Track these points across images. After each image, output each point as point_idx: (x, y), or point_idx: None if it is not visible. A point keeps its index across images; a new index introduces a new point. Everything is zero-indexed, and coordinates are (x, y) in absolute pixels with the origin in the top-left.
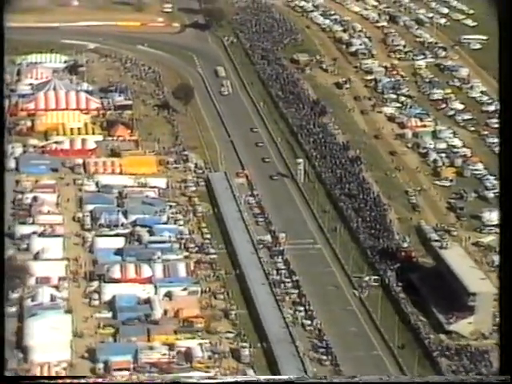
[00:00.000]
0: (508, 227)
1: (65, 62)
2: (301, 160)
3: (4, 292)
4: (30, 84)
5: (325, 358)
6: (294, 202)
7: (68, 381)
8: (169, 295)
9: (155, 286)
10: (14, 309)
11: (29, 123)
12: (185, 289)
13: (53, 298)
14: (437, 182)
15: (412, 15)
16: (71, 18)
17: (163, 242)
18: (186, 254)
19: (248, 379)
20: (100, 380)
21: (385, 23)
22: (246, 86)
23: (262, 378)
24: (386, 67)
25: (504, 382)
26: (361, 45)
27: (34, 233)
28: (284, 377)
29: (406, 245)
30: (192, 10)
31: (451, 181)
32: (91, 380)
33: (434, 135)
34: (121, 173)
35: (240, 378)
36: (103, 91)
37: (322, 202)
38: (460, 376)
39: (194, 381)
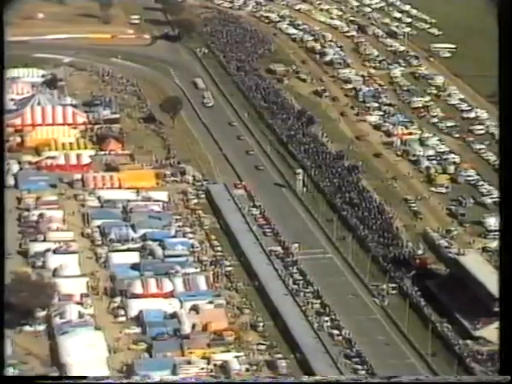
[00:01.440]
0: (508, 231)
1: (42, 76)
2: (300, 170)
3: (4, 294)
4: (12, 99)
5: (360, 367)
6: (296, 212)
7: (68, 381)
8: (195, 309)
9: (180, 300)
10: (42, 327)
11: (18, 139)
12: (211, 302)
13: (81, 315)
14: (432, 189)
15: (377, 25)
16: (39, 31)
17: (179, 255)
18: (202, 267)
19: (249, 380)
20: (100, 380)
21: (354, 33)
22: (227, 98)
23: (262, 378)
24: (363, 76)
25: (504, 382)
26: (335, 54)
27: (48, 250)
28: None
29: (420, 252)
30: (159, 22)
31: (447, 187)
32: (91, 380)
33: (422, 142)
34: (119, 187)
35: (240, 379)
36: (87, 105)
37: (324, 211)
38: (460, 376)
39: (194, 381)
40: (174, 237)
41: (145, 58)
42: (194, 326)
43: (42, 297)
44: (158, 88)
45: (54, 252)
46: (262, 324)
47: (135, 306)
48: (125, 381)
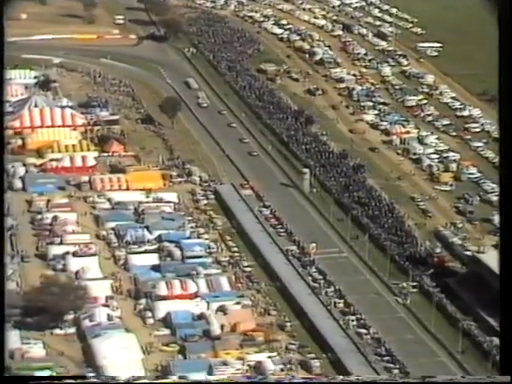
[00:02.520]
0: (508, 228)
1: (35, 77)
2: (306, 170)
3: (4, 294)
4: (7, 101)
5: (392, 365)
6: (306, 212)
7: (68, 381)
8: (222, 310)
9: (207, 301)
10: (72, 329)
11: (19, 141)
12: (238, 303)
13: (110, 318)
14: (437, 187)
15: (362, 24)
16: (24, 32)
17: (199, 256)
18: (221, 268)
19: (249, 380)
20: (100, 380)
21: (340, 32)
22: (221, 98)
23: (263, 378)
24: (355, 75)
25: (504, 382)
26: (324, 54)
27: (67, 253)
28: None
29: (437, 250)
30: (143, 22)
31: (451, 185)
32: (91, 380)
33: (420, 141)
34: (127, 188)
35: (240, 379)
36: (83, 106)
37: (334, 210)
38: (460, 376)
39: (194, 381)
40: (189, 238)
41: (134, 59)
42: (222, 327)
43: (73, 299)
44: (151, 89)
45: (74, 255)
46: (289, 324)
47: (162, 308)
48: (125, 381)
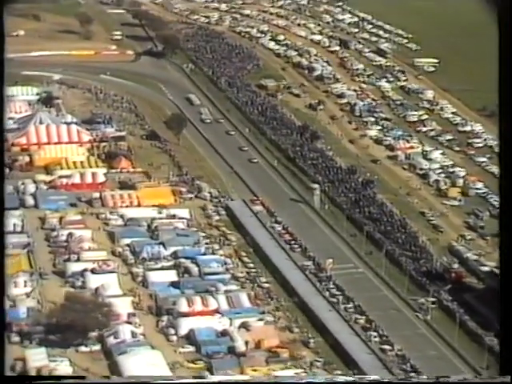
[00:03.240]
0: (508, 231)
1: (37, 94)
2: (316, 186)
3: (4, 294)
4: (11, 118)
5: None
6: (318, 228)
7: (68, 381)
8: (245, 326)
9: (229, 318)
10: (97, 347)
11: (27, 158)
12: (260, 319)
13: (134, 335)
14: (445, 202)
15: (358, 39)
16: (21, 49)
17: (218, 273)
18: (239, 284)
19: (248, 380)
20: (100, 380)
21: (337, 48)
22: (224, 114)
23: (263, 379)
24: (355, 90)
25: (504, 382)
26: (323, 69)
27: (85, 270)
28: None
29: (455, 266)
30: (140, 38)
31: (459, 200)
32: (91, 380)
33: (425, 156)
34: (138, 205)
35: (240, 379)
36: (87, 123)
37: (346, 226)
38: (460, 376)
39: (194, 381)
40: (204, 254)
41: (133, 75)
42: (246, 344)
43: (98, 317)
44: (153, 105)
45: (93, 272)
46: (312, 340)
47: (184, 325)
48: (125, 381)
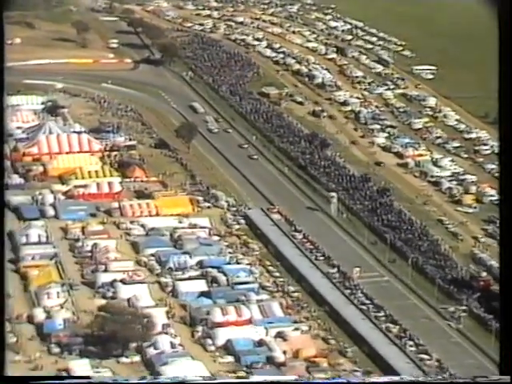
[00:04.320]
0: (508, 231)
1: (42, 103)
2: (334, 194)
3: (4, 295)
4: (19, 127)
5: None
6: (337, 236)
7: (68, 381)
8: (281, 336)
9: (265, 328)
10: (137, 358)
11: (40, 168)
12: (296, 328)
13: (173, 346)
14: (460, 209)
15: (353, 47)
16: (19, 57)
17: (247, 282)
18: (268, 293)
19: (249, 380)
20: (100, 380)
21: (334, 55)
22: (229, 122)
23: (263, 379)
24: (358, 98)
25: (504, 382)
26: (324, 77)
27: (115, 280)
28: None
29: (484, 274)
30: (136, 45)
31: (475, 208)
32: (91, 380)
33: (435, 163)
34: (157, 214)
35: (240, 379)
36: (95, 132)
37: (365, 234)
38: (460, 376)
39: (194, 381)
40: (229, 263)
41: (134, 83)
42: (284, 353)
43: (139, 328)
44: (158, 113)
45: (123, 282)
46: (349, 349)
47: (220, 335)
48: (125, 381)
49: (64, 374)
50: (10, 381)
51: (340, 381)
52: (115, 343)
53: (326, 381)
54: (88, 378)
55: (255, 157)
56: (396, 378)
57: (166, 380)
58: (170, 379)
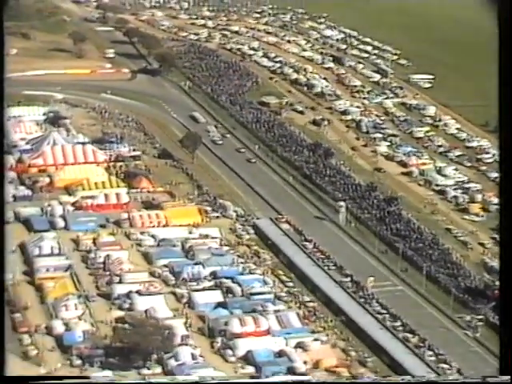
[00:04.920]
0: (508, 231)
1: (43, 114)
2: (343, 203)
3: (4, 295)
4: (23, 138)
5: None
6: (346, 245)
7: (68, 381)
8: (301, 346)
9: (285, 338)
10: (158, 369)
11: (47, 179)
12: (316, 339)
13: (194, 357)
14: (467, 217)
15: (349, 56)
16: (17, 68)
17: (262, 293)
18: (284, 303)
19: (249, 380)
20: (100, 380)
21: (331, 64)
22: (230, 131)
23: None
24: (358, 107)
25: (504, 382)
26: (323, 86)
27: (131, 292)
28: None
29: (497, 283)
30: (132, 55)
31: (482, 216)
32: (91, 380)
33: (439, 172)
34: (166, 225)
35: (240, 379)
36: (98, 142)
37: (374, 243)
38: (460, 376)
39: (196, 381)
40: (242, 274)
41: (133, 93)
42: (305, 364)
43: (161, 339)
44: (159, 123)
45: (139, 294)
46: (369, 359)
47: (240, 346)
48: (125, 381)
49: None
50: (9, 381)
51: (339, 381)
52: (136, 355)
53: (325, 381)
54: (87, 378)
55: (253, 160)
56: (398, 379)
57: (165, 380)
58: (168, 379)
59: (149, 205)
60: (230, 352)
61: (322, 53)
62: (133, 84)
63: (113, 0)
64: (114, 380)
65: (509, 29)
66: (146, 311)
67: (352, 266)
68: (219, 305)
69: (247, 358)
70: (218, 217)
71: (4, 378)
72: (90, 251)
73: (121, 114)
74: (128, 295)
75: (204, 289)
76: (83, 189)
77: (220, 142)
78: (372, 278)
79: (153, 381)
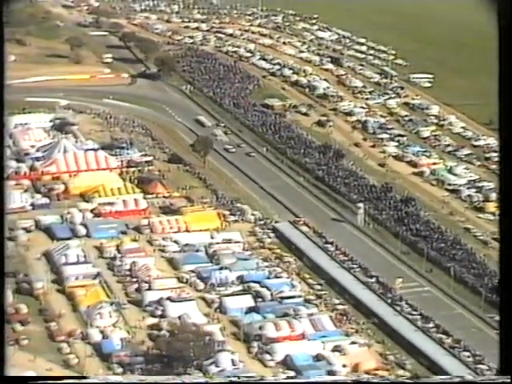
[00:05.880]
0: (508, 231)
1: (50, 121)
2: (361, 205)
3: (4, 294)
4: (33, 146)
5: None
6: (368, 246)
7: (68, 381)
8: (338, 349)
9: (322, 342)
10: (200, 374)
11: (62, 186)
12: (353, 342)
13: (234, 363)
14: (482, 216)
15: (346, 57)
16: (17, 74)
17: (293, 296)
18: (314, 306)
19: (249, 380)
20: (100, 380)
21: (330, 65)
22: (237, 135)
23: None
24: (363, 108)
25: (504, 382)
26: (324, 87)
27: (161, 298)
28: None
29: None
30: (130, 60)
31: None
32: (91, 380)
33: (450, 171)
34: (187, 230)
35: (240, 379)
36: (108, 148)
37: (395, 244)
38: (460, 376)
39: (195, 381)
40: (268, 278)
41: (135, 98)
42: (344, 367)
43: (203, 346)
44: (166, 128)
45: (171, 300)
46: (407, 362)
47: (279, 350)
48: (125, 381)
49: None
50: (9, 381)
51: (339, 381)
52: (177, 361)
53: (325, 380)
54: (86, 377)
55: (273, 170)
56: (394, 379)
57: (165, 380)
58: (166, 379)
59: (167, 210)
60: (268, 357)
61: (318, 54)
62: (133, 89)
63: (103, 4)
64: (115, 380)
65: (509, 28)
66: (179, 317)
67: (375, 267)
68: (251, 309)
69: (286, 363)
70: (236, 221)
71: (4, 378)
72: (115, 258)
73: (126, 119)
74: (159, 302)
75: (233, 294)
76: (99, 195)
77: (233, 151)
78: (400, 280)
79: (152, 381)
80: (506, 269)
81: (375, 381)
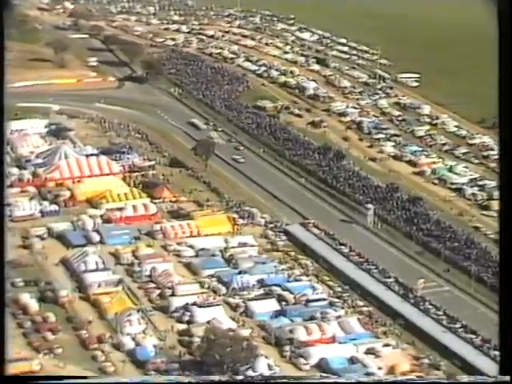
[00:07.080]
0: (507, 230)
1: (45, 126)
2: (370, 206)
3: (4, 294)
4: (32, 152)
5: None
6: (380, 247)
7: (68, 381)
8: (372, 352)
9: (355, 344)
10: (240, 377)
11: (67, 193)
12: (386, 344)
13: (270, 367)
14: (485, 213)
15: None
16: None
17: (318, 299)
18: (340, 308)
19: (248, 380)
20: (100, 380)
21: (316, 66)
22: (233, 137)
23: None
24: (355, 108)
25: (504, 382)
26: (314, 88)
27: (187, 304)
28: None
29: None
30: (115, 63)
31: None
32: (91, 380)
33: (451, 170)
34: (199, 234)
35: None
36: (106, 153)
37: (408, 244)
38: (460, 376)
39: (197, 381)
40: (288, 281)
41: (125, 101)
42: (380, 369)
43: (242, 351)
44: (160, 131)
45: (198, 305)
46: (442, 363)
47: (312, 353)
48: (125, 381)
49: None
50: (9, 381)
51: (340, 381)
52: (213, 367)
53: (325, 380)
54: (86, 377)
55: (274, 171)
56: (398, 378)
57: (164, 380)
58: (167, 380)
59: (176, 215)
60: (302, 360)
61: (303, 55)
62: (122, 92)
63: (79, 6)
64: (115, 380)
65: (509, 28)
66: (208, 323)
67: (392, 268)
68: (278, 313)
69: (321, 366)
70: (246, 224)
71: (4, 378)
72: (133, 264)
73: (120, 123)
74: (186, 307)
75: (257, 297)
76: (107, 201)
77: (242, 161)
78: (422, 280)
79: (151, 380)
80: (506, 270)
81: (376, 381)
